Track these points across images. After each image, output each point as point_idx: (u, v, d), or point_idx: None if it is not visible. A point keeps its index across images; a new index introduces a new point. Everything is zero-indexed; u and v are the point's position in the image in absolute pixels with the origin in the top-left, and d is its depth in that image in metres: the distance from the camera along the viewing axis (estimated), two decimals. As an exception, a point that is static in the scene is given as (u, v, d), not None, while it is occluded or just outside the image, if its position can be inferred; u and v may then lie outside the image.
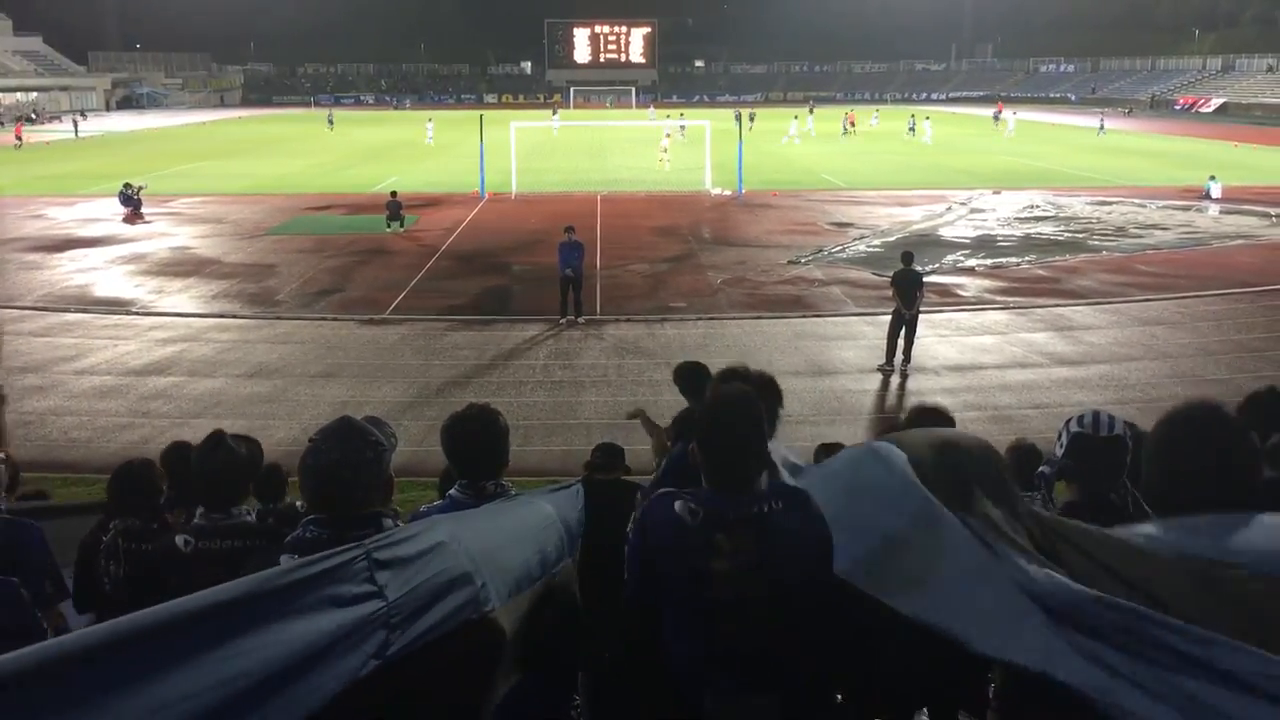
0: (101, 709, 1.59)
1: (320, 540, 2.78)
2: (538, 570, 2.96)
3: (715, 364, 5.67)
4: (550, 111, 69.80)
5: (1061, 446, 3.45)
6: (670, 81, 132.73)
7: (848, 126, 64.72)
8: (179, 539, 3.79)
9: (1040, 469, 3.64)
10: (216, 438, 3.96)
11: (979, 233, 27.39)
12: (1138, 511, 3.44)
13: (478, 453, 3.63)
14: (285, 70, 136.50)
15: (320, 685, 1.91)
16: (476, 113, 47.52)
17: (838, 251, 24.66)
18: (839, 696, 3.54)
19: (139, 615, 1.76)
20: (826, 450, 7.09)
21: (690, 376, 5.82)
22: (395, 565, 2.24)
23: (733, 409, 3.03)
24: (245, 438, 4.09)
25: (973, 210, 31.54)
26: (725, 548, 2.85)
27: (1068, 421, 3.48)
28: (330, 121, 73.35)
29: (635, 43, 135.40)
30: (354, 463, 2.87)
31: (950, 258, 23.58)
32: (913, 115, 65.53)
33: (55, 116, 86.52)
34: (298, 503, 5.36)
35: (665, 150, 41.52)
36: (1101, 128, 63.85)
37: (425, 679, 2.21)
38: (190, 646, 1.76)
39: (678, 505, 2.93)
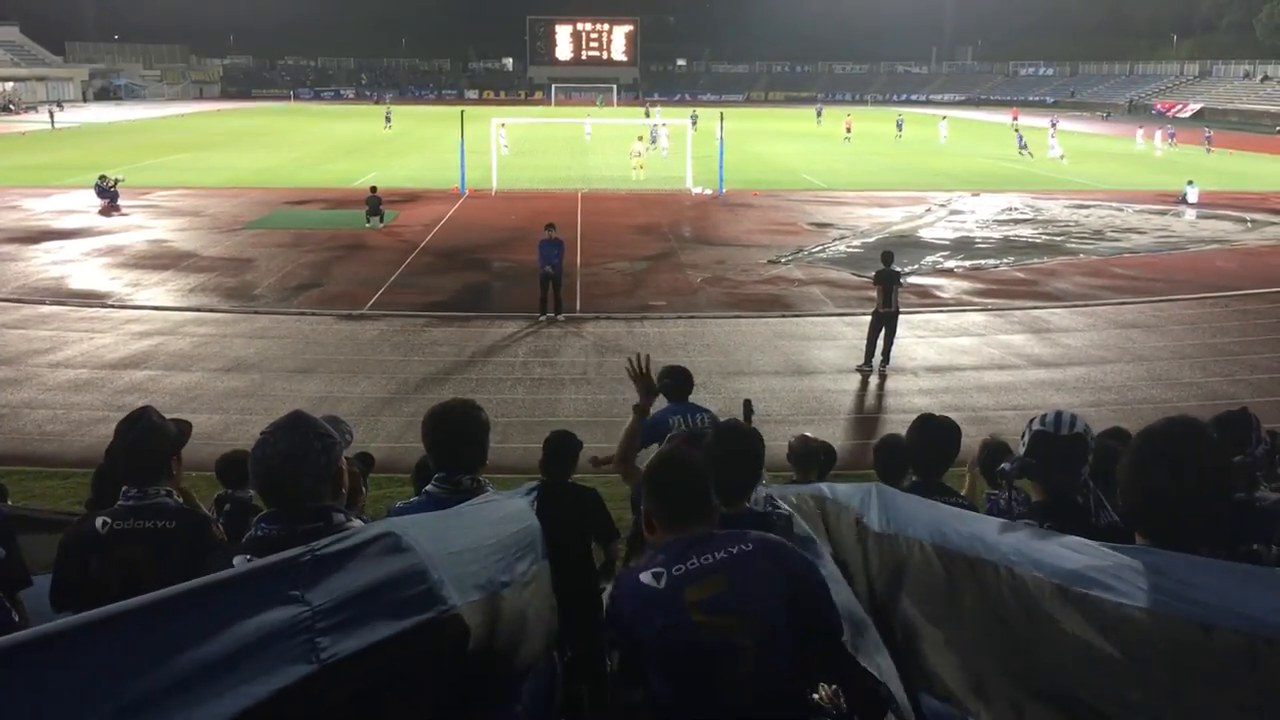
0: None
1: (271, 537, 2.77)
2: (509, 570, 2.92)
3: (696, 362, 5.75)
4: (587, 109, 67.99)
5: (1024, 445, 3.53)
6: (652, 80, 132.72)
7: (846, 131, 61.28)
8: (97, 520, 3.71)
9: (1002, 466, 3.73)
10: (140, 411, 3.89)
11: (958, 234, 27.52)
12: (1099, 511, 3.54)
13: (458, 446, 3.62)
14: (265, 63, 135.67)
15: (242, 691, 1.88)
16: (457, 108, 47.26)
17: (818, 251, 24.73)
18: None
19: (75, 618, 1.76)
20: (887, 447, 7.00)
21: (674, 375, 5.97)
22: (337, 565, 2.21)
23: (674, 474, 3.08)
24: (176, 419, 4.02)
25: (952, 212, 31.69)
26: (697, 597, 2.84)
27: (1030, 421, 3.57)
28: (388, 119, 66.85)
29: (617, 40, 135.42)
30: (300, 454, 2.86)
31: (929, 259, 23.67)
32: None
33: (31, 107, 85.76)
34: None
35: (639, 155, 40.22)
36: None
37: (380, 677, 2.18)
38: (115, 646, 1.75)
39: (643, 576, 2.92)
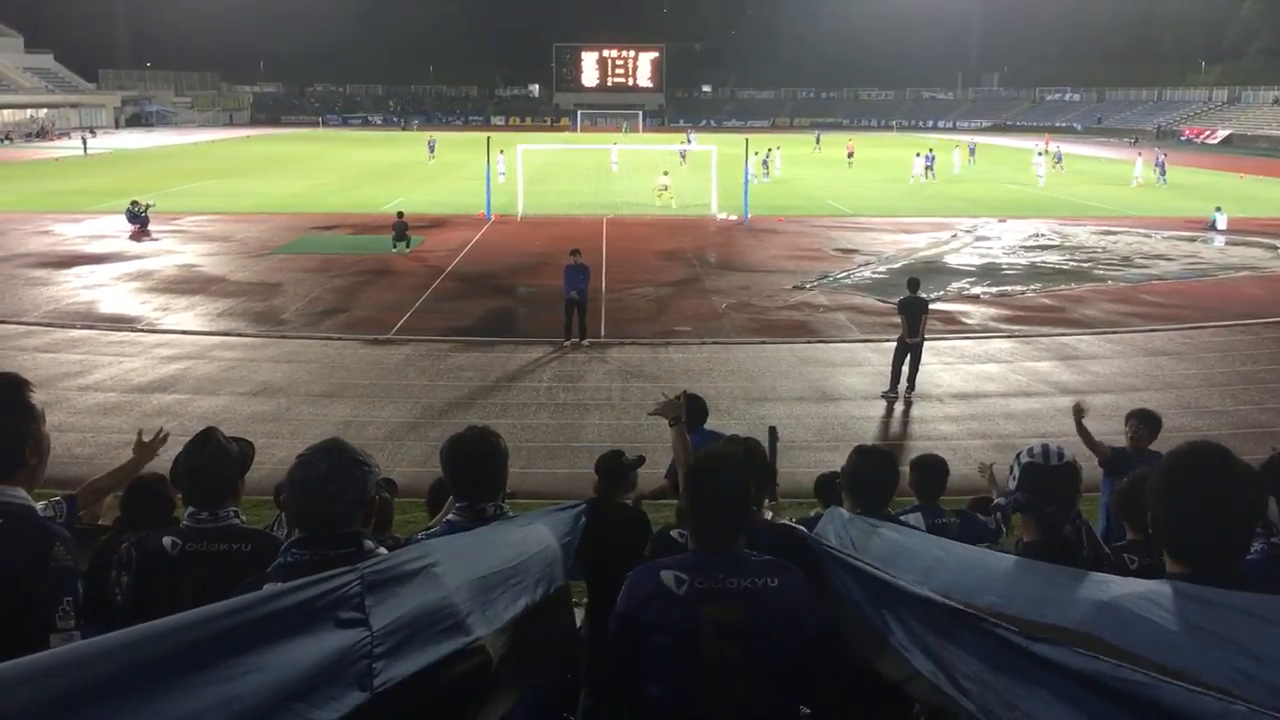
0: None
1: (302, 563, 2.76)
2: (529, 595, 2.94)
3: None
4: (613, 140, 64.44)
5: (1014, 479, 3.47)
6: (677, 106, 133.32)
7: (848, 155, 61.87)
8: (166, 540, 3.68)
9: (995, 501, 3.69)
10: (206, 433, 3.90)
11: (984, 261, 27.42)
12: (1091, 544, 3.48)
13: (477, 475, 3.63)
14: (294, 90, 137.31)
15: (305, 717, 1.88)
16: (484, 134, 47.56)
17: (843, 277, 24.68)
18: None
19: (108, 636, 1.73)
20: (825, 481, 7.19)
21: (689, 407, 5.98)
22: (385, 590, 2.22)
23: (718, 466, 3.15)
24: (237, 438, 4.02)
25: (978, 238, 31.59)
26: (711, 617, 2.92)
27: (1018, 455, 3.52)
28: (431, 148, 62.60)
29: (643, 67, 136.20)
30: (340, 478, 2.87)
31: (955, 285, 23.60)
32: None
33: (65, 133, 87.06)
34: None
35: (666, 188, 39.25)
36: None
37: (415, 706, 2.18)
38: (166, 669, 1.73)
39: (664, 575, 3.00)
